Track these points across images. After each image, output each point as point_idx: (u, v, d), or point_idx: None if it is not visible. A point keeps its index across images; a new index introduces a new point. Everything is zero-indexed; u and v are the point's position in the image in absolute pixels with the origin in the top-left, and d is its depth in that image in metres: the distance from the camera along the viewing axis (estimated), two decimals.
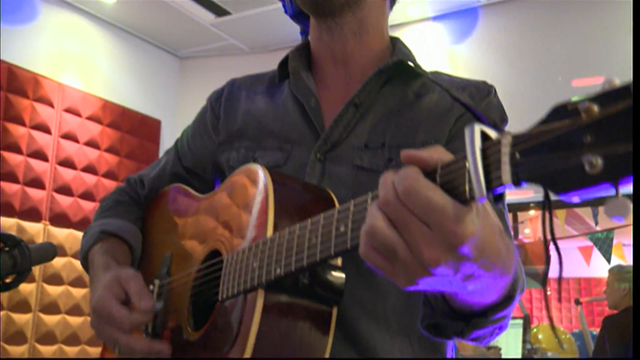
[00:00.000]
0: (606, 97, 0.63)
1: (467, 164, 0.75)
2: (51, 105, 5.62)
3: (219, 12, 6.05)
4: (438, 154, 0.81)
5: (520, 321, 5.44)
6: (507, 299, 0.98)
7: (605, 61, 5.14)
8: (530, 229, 7.39)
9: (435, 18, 6.08)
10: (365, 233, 0.82)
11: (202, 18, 6.15)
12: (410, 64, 1.42)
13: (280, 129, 1.45)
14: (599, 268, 6.51)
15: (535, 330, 5.64)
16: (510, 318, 1.06)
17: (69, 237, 5.53)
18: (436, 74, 1.47)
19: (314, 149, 1.38)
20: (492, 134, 0.76)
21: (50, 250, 1.42)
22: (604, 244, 6.26)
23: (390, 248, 0.79)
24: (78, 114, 5.83)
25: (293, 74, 1.48)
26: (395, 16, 5.63)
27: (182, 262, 1.43)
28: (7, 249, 1.31)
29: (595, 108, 0.64)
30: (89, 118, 5.93)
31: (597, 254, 6.48)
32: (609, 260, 6.12)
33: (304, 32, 1.59)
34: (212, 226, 1.37)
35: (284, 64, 1.52)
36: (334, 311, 1.14)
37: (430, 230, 0.77)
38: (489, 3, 5.81)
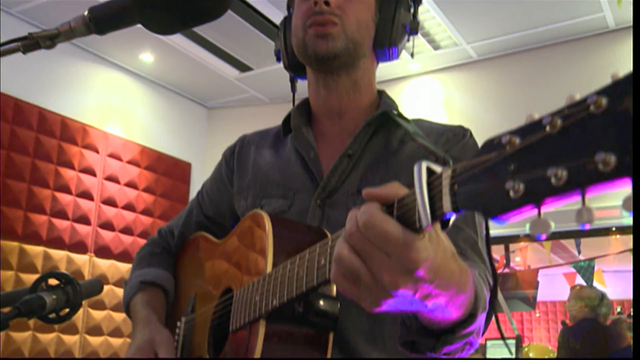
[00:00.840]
0: (525, 129, 0.66)
1: (416, 198, 0.77)
2: (97, 151, 5.73)
3: (243, 68, 6.13)
4: (395, 190, 0.83)
5: (514, 341, 5.60)
6: (470, 316, 0.98)
7: None
8: (520, 257, 7.48)
9: (434, 72, 6.14)
10: (334, 260, 0.85)
11: (228, 74, 6.23)
12: (395, 113, 1.45)
13: (284, 179, 1.48)
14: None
15: (526, 349, 5.80)
16: (479, 335, 1.07)
17: (111, 267, 5.63)
18: (419, 121, 1.49)
19: (314, 197, 1.40)
20: (437, 169, 0.78)
21: (98, 286, 1.41)
22: (587, 272, 6.40)
23: (355, 274, 0.82)
24: (119, 159, 5.94)
25: (294, 129, 1.51)
26: (398, 70, 5.91)
27: (204, 300, 1.46)
28: (61, 286, 1.30)
29: (517, 140, 0.66)
30: (129, 162, 6.02)
31: (580, 279, 6.55)
32: (590, 286, 6.18)
33: (293, 81, 1.63)
34: (226, 267, 1.41)
35: (287, 120, 1.56)
36: (330, 336, 1.16)
37: (389, 258, 0.79)
38: (479, 59, 5.88)
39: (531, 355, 5.74)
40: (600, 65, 5.33)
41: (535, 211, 0.63)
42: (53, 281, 1.30)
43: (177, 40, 5.58)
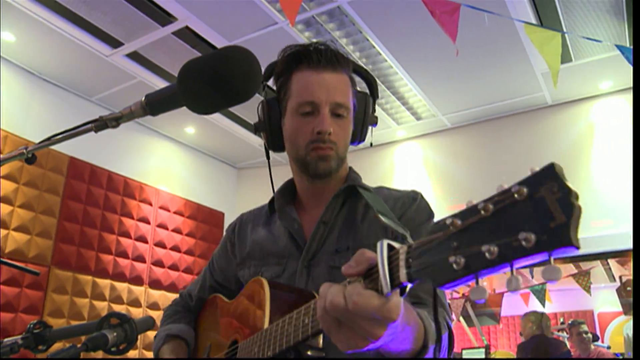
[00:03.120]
0: (465, 213, 0.64)
1: (379, 270, 0.75)
2: (150, 204, 5.88)
3: None
4: (366, 264, 0.80)
5: (483, 349, 5.77)
6: (423, 347, 0.94)
7: (535, 164, 5.48)
8: (487, 282, 7.43)
9: (417, 137, 6.18)
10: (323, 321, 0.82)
11: (253, 141, 6.35)
12: (358, 187, 1.41)
13: (277, 250, 1.44)
14: (533, 308, 6.78)
15: (493, 355, 5.96)
16: None
17: (162, 296, 5.73)
18: (379, 189, 1.47)
19: (300, 260, 1.37)
20: (396, 245, 0.76)
21: (150, 322, 1.38)
22: (540, 294, 6.49)
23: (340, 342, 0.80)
24: (168, 210, 6.06)
25: (279, 210, 1.48)
26: (387, 137, 5.97)
27: (217, 349, 1.43)
28: (121, 324, 1.26)
29: (458, 222, 0.64)
30: (175, 212, 6.13)
31: (532, 298, 6.64)
32: (543, 304, 6.36)
33: (268, 151, 1.52)
34: (234, 322, 1.38)
35: (272, 202, 1.53)
36: None
37: (369, 322, 0.76)
38: (452, 127, 5.95)
39: None
40: (542, 131, 5.48)
41: (473, 279, 0.63)
42: (114, 320, 1.27)
43: (213, 115, 5.64)
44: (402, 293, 0.76)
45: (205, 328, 1.58)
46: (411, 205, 1.38)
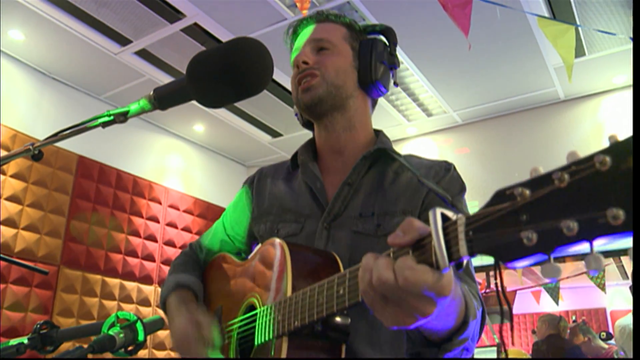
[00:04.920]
0: (535, 182, 0.60)
1: (433, 242, 0.71)
2: (159, 203, 5.86)
3: (274, 134, 6.24)
4: (416, 234, 0.76)
5: (495, 348, 5.70)
6: (463, 323, 0.92)
7: (547, 160, 5.25)
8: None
9: (428, 134, 6.15)
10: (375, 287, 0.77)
11: (262, 139, 6.33)
12: (389, 150, 1.37)
13: (296, 207, 1.41)
14: (545, 306, 6.75)
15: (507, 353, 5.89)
16: (474, 342, 1.01)
17: None
18: (409, 157, 1.41)
19: (321, 221, 1.34)
20: (451, 214, 0.71)
21: (160, 322, 1.35)
22: (553, 291, 6.41)
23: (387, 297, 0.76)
24: (177, 209, 6.05)
25: (302, 164, 1.45)
26: (397, 133, 5.94)
27: (229, 312, 1.37)
28: (128, 324, 1.24)
29: (527, 192, 0.60)
30: (185, 211, 6.12)
31: (544, 296, 6.55)
32: (557, 302, 6.27)
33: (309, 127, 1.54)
34: (249, 285, 1.32)
35: (295, 157, 1.49)
36: (343, 347, 1.10)
37: (419, 298, 0.74)
38: (463, 123, 5.91)
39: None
40: (554, 128, 5.43)
41: (546, 257, 0.58)
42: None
43: (222, 113, 5.72)
44: (458, 267, 0.71)
45: (214, 287, 1.52)
46: (445, 176, 1.33)
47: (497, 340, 5.67)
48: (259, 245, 1.36)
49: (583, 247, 0.57)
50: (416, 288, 0.72)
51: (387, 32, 1.49)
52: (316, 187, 1.39)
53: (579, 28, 4.21)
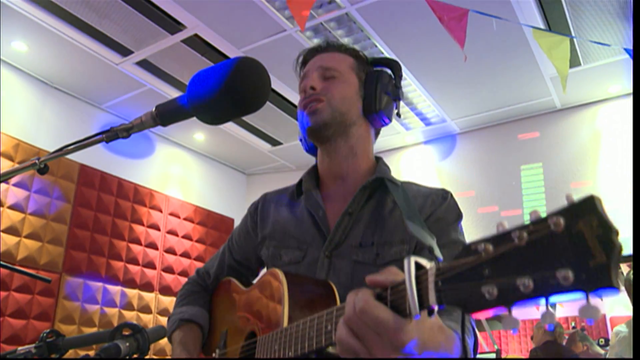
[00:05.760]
0: (498, 239, 0.62)
1: (406, 289, 0.74)
2: (160, 210, 5.90)
3: (274, 143, 6.26)
4: (392, 276, 0.81)
5: (494, 354, 5.63)
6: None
7: (541, 170, 5.38)
8: None
9: (426, 142, 6.17)
10: (337, 340, 0.84)
11: (262, 147, 6.36)
12: (387, 180, 1.38)
13: (299, 234, 1.42)
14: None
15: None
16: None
17: (172, 303, 5.08)
18: (408, 184, 1.43)
19: (323, 249, 1.35)
20: (424, 263, 0.75)
21: (162, 331, 1.34)
22: None
23: (353, 351, 0.81)
24: (178, 216, 6.08)
25: (305, 192, 1.46)
26: (396, 142, 5.97)
27: (233, 337, 1.40)
28: (133, 334, 1.24)
29: (490, 248, 0.62)
30: (185, 219, 6.15)
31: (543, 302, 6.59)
32: (554, 308, 6.34)
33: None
34: (251, 313, 1.35)
35: (299, 184, 1.50)
36: None
37: (380, 338, 0.78)
38: (462, 132, 5.94)
39: None
40: (551, 135, 5.46)
41: (506, 310, 0.61)
42: (127, 330, 1.25)
43: None
44: (429, 314, 0.74)
45: (221, 311, 1.54)
46: (441, 205, 1.35)
47: (496, 347, 5.66)
48: (263, 272, 1.39)
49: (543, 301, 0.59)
50: (369, 316, 0.77)
51: (393, 65, 1.51)
52: (318, 215, 1.40)
53: (574, 39, 4.26)
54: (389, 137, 6.01)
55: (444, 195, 1.38)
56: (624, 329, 5.31)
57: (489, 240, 0.64)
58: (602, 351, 5.69)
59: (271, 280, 1.27)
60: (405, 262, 0.75)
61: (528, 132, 5.62)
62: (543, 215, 0.60)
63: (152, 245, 5.76)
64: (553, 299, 0.58)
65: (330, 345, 0.95)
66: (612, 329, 9.46)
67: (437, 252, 1.14)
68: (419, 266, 0.75)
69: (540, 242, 0.58)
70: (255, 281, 1.42)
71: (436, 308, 0.72)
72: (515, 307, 0.61)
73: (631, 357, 4.79)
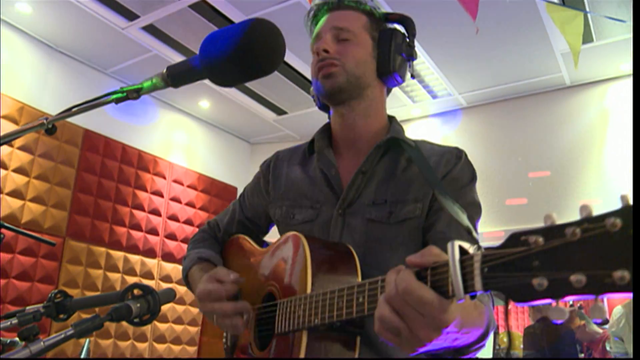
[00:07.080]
0: (548, 232, 0.63)
1: (450, 272, 0.75)
2: (164, 177, 5.91)
3: (279, 112, 6.23)
4: (432, 257, 0.82)
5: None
6: (483, 335, 1.01)
7: (547, 147, 5.32)
8: None
9: (432, 116, 6.15)
10: (377, 318, 0.84)
11: (267, 116, 6.34)
12: (402, 139, 1.38)
13: (311, 193, 1.42)
14: None
15: (501, 335, 5.95)
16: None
17: (174, 269, 5.76)
18: (421, 142, 1.43)
19: (336, 207, 1.35)
20: (467, 246, 0.76)
21: (172, 294, 1.34)
22: None
23: (396, 329, 0.81)
24: (181, 184, 6.09)
25: (318, 151, 1.46)
26: (403, 115, 5.94)
27: (247, 297, 1.38)
28: (144, 295, 1.23)
29: (541, 240, 0.63)
30: (189, 186, 6.16)
31: None
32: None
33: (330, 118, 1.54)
34: (269, 275, 1.34)
35: (311, 143, 1.50)
36: (358, 338, 1.14)
37: (423, 318, 0.78)
38: (468, 106, 5.91)
39: (505, 340, 5.93)
40: (559, 113, 5.42)
41: (553, 301, 0.63)
42: (137, 291, 1.25)
43: (227, 89, 5.70)
44: (472, 298, 0.76)
45: (234, 267, 1.51)
46: (456, 164, 1.35)
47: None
48: (279, 236, 1.39)
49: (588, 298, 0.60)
50: (413, 296, 0.78)
51: (407, 22, 1.49)
52: (331, 174, 1.40)
53: (588, 14, 4.18)
54: (395, 109, 5.97)
55: (458, 155, 1.37)
56: (620, 309, 5.35)
57: (539, 232, 0.64)
58: (599, 330, 5.74)
59: (292, 245, 1.27)
60: (449, 246, 0.76)
61: (536, 109, 5.56)
62: (593, 212, 0.61)
63: (156, 212, 5.79)
64: (604, 296, 0.58)
65: (362, 317, 0.96)
66: (609, 308, 9.53)
67: (475, 234, 1.14)
68: (462, 251, 0.76)
69: (595, 241, 0.59)
70: (273, 242, 1.41)
71: (479, 293, 0.73)
72: (563, 300, 0.62)
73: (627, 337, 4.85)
